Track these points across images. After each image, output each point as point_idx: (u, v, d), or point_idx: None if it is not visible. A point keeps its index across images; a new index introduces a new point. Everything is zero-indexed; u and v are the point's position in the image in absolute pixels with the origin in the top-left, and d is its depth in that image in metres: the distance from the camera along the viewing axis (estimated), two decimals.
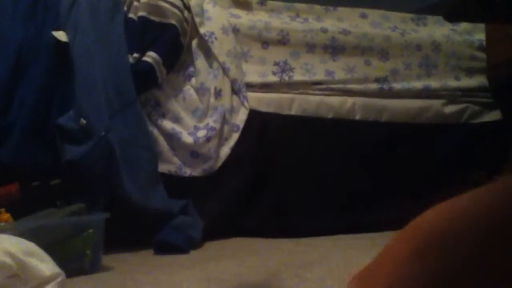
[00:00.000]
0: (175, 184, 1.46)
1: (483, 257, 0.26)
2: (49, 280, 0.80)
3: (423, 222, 0.29)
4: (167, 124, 1.51)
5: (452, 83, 1.78)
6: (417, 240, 0.28)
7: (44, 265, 0.81)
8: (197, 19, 1.60)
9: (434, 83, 1.76)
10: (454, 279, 0.26)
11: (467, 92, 1.79)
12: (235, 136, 1.55)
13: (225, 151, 1.54)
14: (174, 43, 1.54)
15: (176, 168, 1.49)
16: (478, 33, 1.85)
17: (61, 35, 1.37)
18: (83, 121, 1.29)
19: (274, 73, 1.64)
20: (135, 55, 1.48)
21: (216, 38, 1.59)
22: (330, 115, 1.65)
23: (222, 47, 1.59)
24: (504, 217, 0.26)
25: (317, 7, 1.80)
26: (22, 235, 0.88)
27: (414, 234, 0.28)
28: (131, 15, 1.54)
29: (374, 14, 1.84)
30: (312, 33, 1.69)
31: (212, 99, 1.55)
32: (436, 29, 1.86)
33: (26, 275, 0.79)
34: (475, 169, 1.69)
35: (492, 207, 0.27)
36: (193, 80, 1.57)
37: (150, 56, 1.48)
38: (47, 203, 1.19)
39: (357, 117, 1.67)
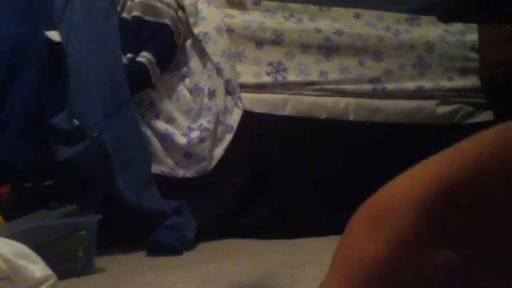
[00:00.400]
0: (169, 185, 1.45)
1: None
2: (40, 282, 0.80)
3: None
4: (161, 125, 1.50)
5: (445, 83, 1.79)
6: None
7: (36, 267, 0.80)
8: (191, 19, 1.60)
9: (427, 84, 1.77)
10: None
11: (460, 93, 1.79)
12: (229, 137, 1.55)
13: (219, 152, 1.53)
14: (168, 43, 1.53)
15: (169, 169, 1.49)
16: (471, 34, 1.86)
17: (54, 35, 1.36)
18: (76, 121, 1.28)
19: (268, 74, 1.64)
20: (129, 55, 1.48)
21: (210, 38, 1.59)
22: (323, 116, 1.65)
23: (216, 47, 1.58)
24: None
25: (311, 7, 1.80)
26: (13, 236, 0.87)
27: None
28: (125, 15, 1.53)
29: (368, 14, 1.85)
30: (306, 33, 1.70)
31: (206, 100, 1.54)
32: (430, 30, 1.86)
33: (17, 277, 0.78)
34: None
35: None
36: (187, 81, 1.57)
37: (144, 56, 1.48)
38: (39, 205, 1.18)
39: (351, 117, 1.67)
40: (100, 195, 1.30)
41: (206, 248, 1.37)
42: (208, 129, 1.51)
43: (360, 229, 0.28)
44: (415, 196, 0.27)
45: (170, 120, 1.51)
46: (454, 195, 0.27)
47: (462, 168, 0.28)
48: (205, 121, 1.52)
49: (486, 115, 1.79)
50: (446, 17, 1.33)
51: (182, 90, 1.56)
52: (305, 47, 1.69)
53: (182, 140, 1.49)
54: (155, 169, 1.46)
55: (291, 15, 1.77)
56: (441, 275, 0.26)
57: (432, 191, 0.27)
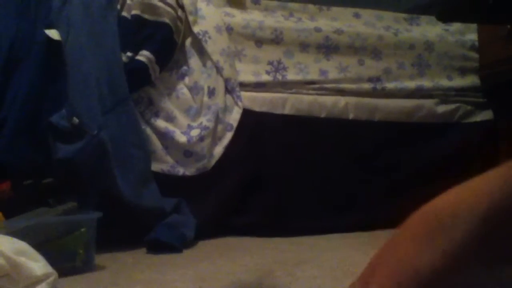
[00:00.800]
0: (168, 183, 1.46)
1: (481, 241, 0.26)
2: (41, 279, 0.80)
3: (427, 208, 0.29)
4: (160, 123, 1.50)
5: (445, 82, 1.79)
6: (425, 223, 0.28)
7: (36, 264, 0.80)
8: (190, 18, 1.60)
9: (426, 83, 1.77)
10: (454, 261, 0.26)
11: (459, 92, 1.80)
12: (229, 135, 1.55)
13: (219, 150, 1.54)
14: (168, 41, 1.54)
15: (169, 167, 1.49)
16: (470, 33, 1.86)
17: (53, 33, 1.37)
18: (75, 119, 1.28)
19: (267, 73, 1.64)
20: (128, 53, 1.48)
21: (209, 37, 1.59)
22: (323, 115, 1.65)
23: (215, 46, 1.59)
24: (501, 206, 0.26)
25: (311, 7, 1.80)
26: (13, 234, 0.87)
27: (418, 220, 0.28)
28: (124, 13, 1.54)
29: (368, 13, 1.85)
30: (305, 33, 1.70)
31: (205, 98, 1.54)
32: (429, 29, 1.86)
33: (17, 274, 0.78)
34: (468, 168, 1.70)
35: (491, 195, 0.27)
36: (187, 79, 1.57)
37: (143, 55, 1.48)
38: (39, 202, 1.18)
39: (351, 116, 1.68)
40: (99, 193, 1.30)
41: (205, 246, 1.37)
42: (208, 128, 1.51)
43: (415, 235, 0.27)
44: (481, 205, 0.26)
45: (170, 119, 1.52)
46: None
47: None
48: (205, 120, 1.52)
49: (486, 114, 1.79)
50: (445, 17, 1.33)
51: (182, 88, 1.56)
52: (304, 46, 1.69)
53: (182, 138, 1.49)
54: (155, 167, 1.46)
55: (291, 14, 1.77)
56: None
57: (497, 202, 0.26)
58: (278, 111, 1.62)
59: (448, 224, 0.26)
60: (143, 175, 1.40)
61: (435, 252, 0.26)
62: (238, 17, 1.68)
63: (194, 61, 1.58)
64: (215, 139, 1.54)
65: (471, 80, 1.82)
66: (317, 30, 1.71)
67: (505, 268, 0.26)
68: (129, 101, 1.43)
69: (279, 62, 1.66)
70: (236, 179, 1.55)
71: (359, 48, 1.73)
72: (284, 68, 1.66)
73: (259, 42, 1.66)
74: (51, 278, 0.82)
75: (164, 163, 1.49)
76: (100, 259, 1.15)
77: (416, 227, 0.28)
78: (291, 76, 1.65)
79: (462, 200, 0.27)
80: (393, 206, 1.61)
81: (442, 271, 0.26)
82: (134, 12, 1.52)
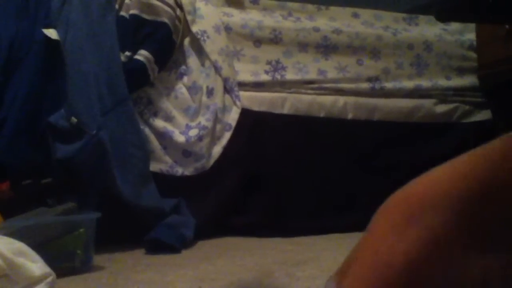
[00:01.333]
0: (167, 183, 1.46)
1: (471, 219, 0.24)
2: (39, 280, 0.80)
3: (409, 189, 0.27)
4: (159, 123, 1.50)
5: (443, 82, 1.79)
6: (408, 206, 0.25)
7: (34, 265, 0.80)
8: (189, 17, 1.60)
9: (425, 83, 1.77)
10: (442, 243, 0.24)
11: (458, 92, 1.80)
12: (227, 135, 1.55)
13: (217, 150, 1.54)
14: (166, 41, 1.53)
15: (168, 167, 1.49)
16: (469, 33, 1.87)
17: (52, 33, 1.36)
18: (74, 119, 1.28)
19: (266, 72, 1.64)
20: (127, 53, 1.48)
21: (208, 37, 1.59)
22: (322, 114, 1.65)
23: (214, 45, 1.59)
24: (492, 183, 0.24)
25: (310, 6, 1.80)
26: (12, 234, 0.87)
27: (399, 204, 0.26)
28: (122, 13, 1.53)
29: (366, 13, 1.85)
30: (304, 32, 1.70)
31: (204, 98, 1.54)
32: (428, 29, 1.87)
33: (16, 275, 0.78)
34: None
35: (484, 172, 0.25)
36: (185, 79, 1.57)
37: (142, 54, 1.48)
38: (38, 202, 1.18)
39: (349, 116, 1.68)
40: (98, 193, 1.30)
41: (204, 246, 1.37)
42: (206, 127, 1.51)
43: (389, 225, 0.25)
44: (458, 192, 0.24)
45: (169, 118, 1.52)
46: (497, 193, 0.24)
47: (500, 166, 0.24)
48: (204, 119, 1.52)
49: (484, 114, 1.79)
50: (444, 16, 1.33)
51: (181, 88, 1.56)
52: (303, 46, 1.69)
53: (180, 138, 1.49)
54: (154, 167, 1.46)
55: (290, 14, 1.77)
56: (476, 280, 0.24)
57: (476, 187, 0.24)
58: (277, 110, 1.62)
59: (425, 209, 0.24)
60: (142, 175, 1.40)
61: (410, 240, 0.24)
62: (236, 16, 1.68)
63: (192, 61, 1.58)
64: (214, 139, 1.54)
65: (470, 80, 1.82)
66: (316, 29, 1.71)
67: (501, 256, 0.24)
68: (129, 101, 1.42)
69: (277, 62, 1.66)
70: (235, 179, 1.55)
71: (358, 48, 1.73)
72: (283, 68, 1.65)
73: (258, 41, 1.66)
74: (50, 279, 0.82)
75: (163, 163, 1.49)
76: (99, 259, 1.15)
77: (391, 214, 0.26)
78: (290, 75, 1.65)
79: (439, 182, 0.25)
80: None
81: (417, 262, 0.24)
82: (132, 11, 1.52)
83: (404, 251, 0.24)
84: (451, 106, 1.78)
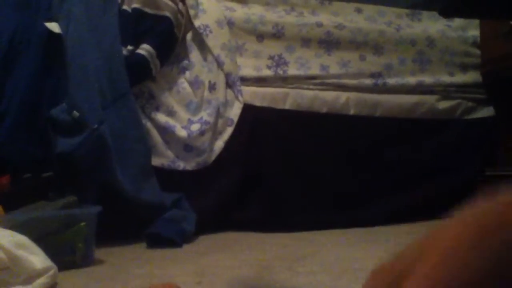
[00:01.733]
0: (169, 178, 1.46)
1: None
2: (40, 273, 0.80)
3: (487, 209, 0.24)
4: (161, 117, 1.50)
5: (446, 79, 1.78)
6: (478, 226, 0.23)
7: (36, 258, 0.80)
8: (191, 12, 1.59)
9: (428, 79, 1.76)
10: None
11: (460, 88, 1.79)
12: (229, 130, 1.55)
13: (219, 145, 1.54)
14: (169, 35, 1.53)
15: (169, 161, 1.49)
16: (472, 29, 1.85)
17: (54, 27, 1.36)
18: (75, 113, 1.28)
19: (268, 67, 1.63)
20: (129, 47, 1.47)
21: (210, 31, 1.58)
22: (324, 110, 1.65)
23: (216, 40, 1.58)
24: None
25: (312, 1, 1.79)
26: (13, 227, 0.87)
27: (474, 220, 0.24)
28: (125, 7, 1.53)
29: (369, 9, 1.84)
30: (307, 27, 1.69)
31: (206, 93, 1.54)
32: (431, 25, 1.86)
33: (17, 268, 0.78)
34: (467, 164, 1.70)
35: None
36: (187, 73, 1.57)
37: (144, 49, 1.47)
38: (38, 196, 1.18)
39: (351, 112, 1.67)
40: (99, 187, 1.30)
41: (205, 241, 1.37)
42: (208, 122, 1.51)
43: None
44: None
45: (170, 113, 1.51)
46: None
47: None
48: (206, 114, 1.52)
49: (487, 111, 1.79)
50: (447, 12, 1.32)
51: (183, 83, 1.56)
52: (305, 41, 1.68)
53: (182, 133, 1.49)
54: (156, 161, 1.46)
55: (292, 9, 1.76)
56: None
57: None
58: (279, 106, 1.61)
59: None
60: (143, 169, 1.40)
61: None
62: (239, 11, 1.67)
63: (195, 56, 1.58)
64: (216, 134, 1.54)
65: (473, 76, 1.81)
66: (319, 25, 1.71)
67: None
68: (130, 96, 1.42)
69: (280, 57, 1.65)
70: (237, 174, 1.55)
71: (361, 44, 1.73)
72: (285, 63, 1.65)
73: (260, 36, 1.65)
74: (51, 272, 0.82)
75: (164, 158, 1.49)
76: (100, 253, 1.15)
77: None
78: (292, 71, 1.65)
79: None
80: (393, 202, 1.61)
81: None
82: (134, 5, 1.51)
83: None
84: (453, 102, 1.77)
